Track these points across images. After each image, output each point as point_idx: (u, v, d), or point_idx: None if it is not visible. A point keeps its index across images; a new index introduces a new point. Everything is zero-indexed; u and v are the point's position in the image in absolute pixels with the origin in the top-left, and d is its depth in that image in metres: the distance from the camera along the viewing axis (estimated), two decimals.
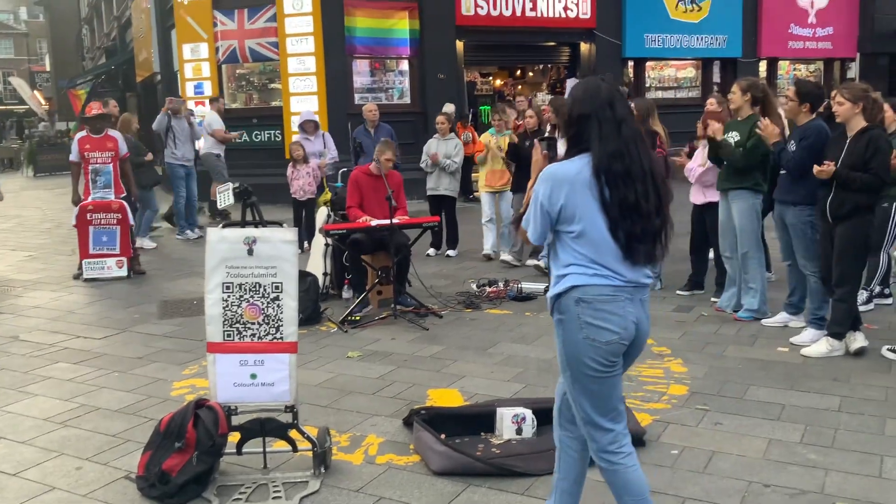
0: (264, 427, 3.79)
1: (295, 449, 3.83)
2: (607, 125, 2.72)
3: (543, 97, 17.77)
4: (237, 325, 3.71)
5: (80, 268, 8.60)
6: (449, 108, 12.45)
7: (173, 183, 11.07)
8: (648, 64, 17.89)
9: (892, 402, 4.49)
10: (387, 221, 6.55)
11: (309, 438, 3.78)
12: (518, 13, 15.67)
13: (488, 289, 7.33)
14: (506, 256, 8.87)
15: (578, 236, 2.73)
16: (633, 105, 7.28)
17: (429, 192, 9.40)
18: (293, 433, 3.80)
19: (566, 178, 2.74)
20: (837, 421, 4.25)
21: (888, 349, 5.26)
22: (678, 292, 7.16)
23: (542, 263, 8.32)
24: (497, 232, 9.25)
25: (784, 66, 19.55)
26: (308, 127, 10.13)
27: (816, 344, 5.37)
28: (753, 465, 3.77)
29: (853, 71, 19.99)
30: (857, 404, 4.47)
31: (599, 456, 2.84)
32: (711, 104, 7.63)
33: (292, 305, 3.73)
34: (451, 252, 9.40)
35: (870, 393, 4.64)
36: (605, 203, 2.68)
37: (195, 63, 15.16)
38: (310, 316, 6.46)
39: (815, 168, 5.04)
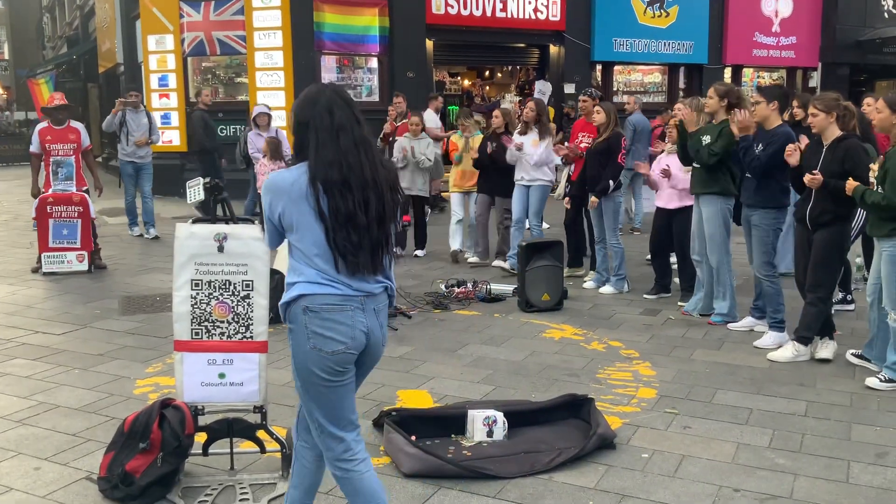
0: (232, 427, 3.71)
1: (263, 450, 3.77)
2: (324, 133, 2.68)
3: (512, 98, 17.82)
4: (206, 324, 3.63)
5: (38, 261, 8.38)
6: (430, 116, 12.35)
7: (124, 181, 10.53)
8: (616, 68, 18.03)
9: (857, 407, 4.56)
10: None
11: (277, 439, 3.71)
12: (488, 13, 15.69)
13: (457, 290, 7.30)
14: (471, 258, 8.86)
15: (302, 245, 2.71)
16: (601, 107, 7.35)
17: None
18: (261, 434, 3.74)
19: (283, 187, 2.70)
20: (804, 426, 4.30)
21: (853, 354, 5.34)
22: (645, 296, 7.21)
23: (507, 265, 8.33)
24: (466, 232, 9.24)
25: (748, 74, 19.84)
26: (261, 121, 10.00)
27: (782, 349, 5.44)
28: (723, 469, 3.79)
29: (815, 80, 20.36)
30: (823, 409, 4.53)
31: (334, 464, 2.84)
32: (679, 109, 7.70)
33: (263, 304, 3.67)
34: (418, 252, 9.36)
35: (835, 398, 4.70)
36: (321, 213, 2.65)
37: (160, 55, 14.89)
38: (278, 314, 6.34)
39: (807, 177, 5.08)
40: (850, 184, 4.87)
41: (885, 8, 20.34)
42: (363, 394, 4.81)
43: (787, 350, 5.39)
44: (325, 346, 2.68)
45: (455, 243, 9.10)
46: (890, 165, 4.65)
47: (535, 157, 7.99)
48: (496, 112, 8.94)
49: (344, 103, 2.71)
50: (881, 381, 4.84)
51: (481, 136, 9.07)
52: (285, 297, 2.74)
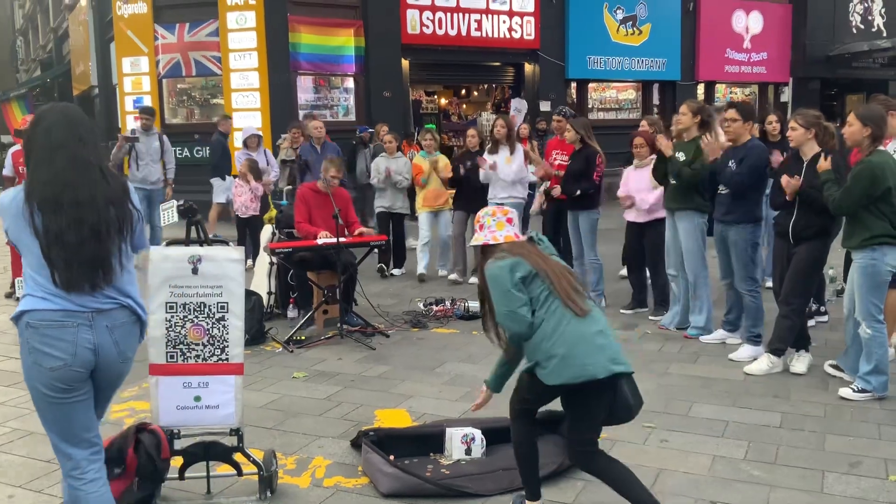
0: (208, 451, 3.69)
1: (240, 473, 3.74)
2: (41, 152, 2.75)
3: (488, 116, 17.91)
4: (181, 347, 3.61)
5: (12, 286, 8.29)
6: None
7: None
8: (591, 85, 18.19)
9: (831, 418, 4.61)
10: (333, 240, 6.49)
11: (254, 462, 3.69)
12: (463, 33, 15.80)
13: (435, 307, 7.31)
14: (451, 275, 8.88)
15: (26, 261, 2.78)
16: (570, 124, 7.44)
17: (380, 210, 9.35)
18: (238, 457, 3.71)
19: (4, 204, 2.79)
20: (779, 437, 4.34)
21: (829, 364, 5.40)
22: (622, 311, 7.26)
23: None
24: (436, 252, 9.27)
25: (721, 90, 20.11)
26: (251, 142, 10.01)
27: (757, 362, 5.49)
28: (700, 482, 3.81)
29: (786, 94, 20.67)
30: (797, 421, 4.57)
31: (65, 478, 2.89)
32: (644, 126, 7.83)
33: (238, 326, 3.65)
34: (395, 271, 9.36)
35: (809, 409, 4.75)
36: (36, 230, 2.71)
37: (135, 77, 14.85)
38: (254, 336, 6.34)
39: (784, 179, 5.15)
40: (823, 164, 4.95)
41: (853, 23, 20.74)
42: (341, 414, 4.81)
43: (762, 362, 5.44)
44: (44, 361, 2.71)
45: (421, 266, 9.11)
46: (853, 174, 4.73)
47: (510, 174, 8.05)
48: (471, 131, 9.01)
49: (67, 123, 2.78)
50: (854, 391, 4.90)
51: (441, 156, 9.17)
52: (14, 312, 2.80)
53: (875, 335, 4.82)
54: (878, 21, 21.13)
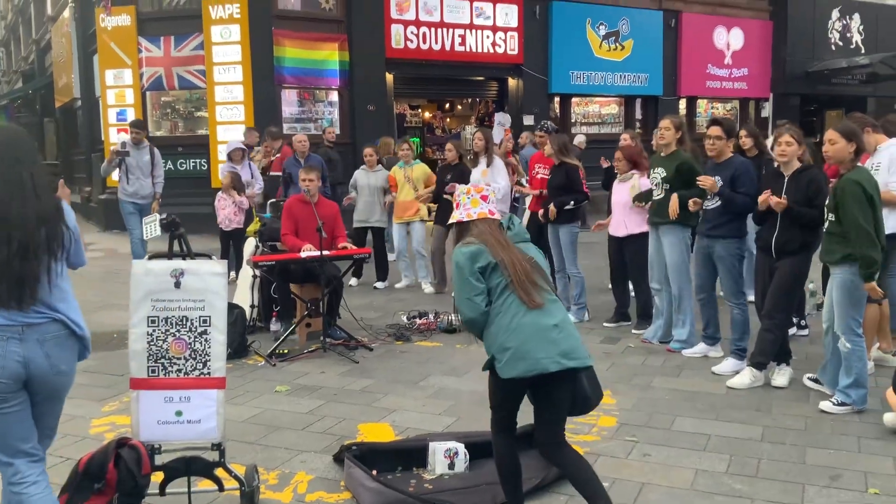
0: (190, 466, 3.66)
1: (221, 488, 3.71)
2: None
3: (472, 130, 17.99)
4: (162, 361, 3.59)
5: None
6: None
7: (125, 221, 9.91)
8: (574, 100, 18.32)
9: (812, 431, 4.64)
10: (317, 253, 6.48)
11: (236, 477, 3.67)
12: (447, 48, 15.88)
13: (418, 321, 7.31)
14: (427, 288, 8.91)
15: None
16: (549, 139, 7.51)
17: (357, 225, 9.38)
18: (220, 472, 3.68)
19: None
20: (760, 451, 4.36)
21: (809, 378, 5.44)
22: (605, 324, 7.29)
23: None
24: (414, 264, 9.34)
25: (702, 105, 20.32)
26: (235, 156, 9.99)
27: (740, 375, 5.52)
28: (682, 496, 3.82)
29: (767, 110, 20.91)
30: (778, 434, 4.60)
31: (6, 486, 2.95)
32: (625, 139, 7.90)
33: (220, 340, 3.63)
34: (378, 284, 9.37)
35: (790, 422, 4.78)
36: None
37: (118, 89, 14.80)
38: (237, 349, 6.31)
39: (773, 200, 5.20)
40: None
41: (833, 40, 21.03)
42: (323, 428, 4.79)
43: (745, 376, 5.48)
44: None
45: (408, 279, 9.26)
46: (846, 195, 4.75)
47: (502, 188, 8.10)
48: (448, 145, 9.07)
49: (5, 144, 2.86)
50: (834, 404, 4.94)
51: (419, 164, 9.23)
52: None
53: (854, 349, 4.86)
54: (857, 38, 21.45)
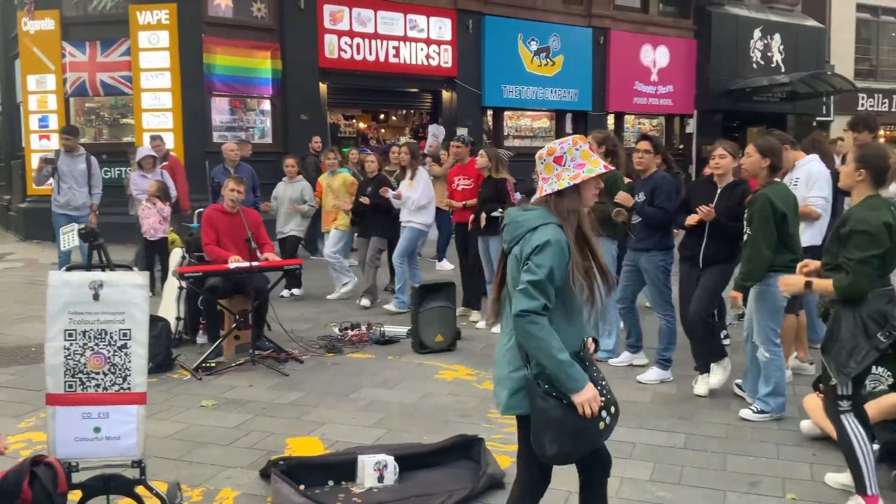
0: (108, 484, 3.54)
1: None
2: None
3: (406, 141, 18.00)
4: (80, 375, 3.47)
5: None
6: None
7: (56, 234, 9.00)
8: (506, 113, 18.53)
9: (733, 439, 4.77)
10: (247, 264, 6.37)
11: (158, 495, 3.57)
12: (381, 59, 15.88)
13: (350, 332, 7.25)
14: (362, 301, 8.88)
15: None
16: (485, 153, 7.61)
17: (279, 236, 9.40)
18: (140, 489, 3.58)
19: None
20: (683, 458, 4.46)
21: (736, 384, 5.59)
22: None
23: (392, 307, 8.38)
24: (334, 268, 9.33)
25: (630, 121, 20.78)
26: (146, 163, 9.74)
27: (712, 375, 5.63)
28: None
29: (691, 126, 21.51)
30: (701, 441, 4.72)
31: None
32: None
33: (141, 353, 3.54)
34: (295, 291, 9.32)
35: (712, 430, 4.91)
36: None
37: (41, 95, 14.33)
38: (161, 363, 6.15)
39: (702, 209, 5.35)
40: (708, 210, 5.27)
41: (754, 59, 21.77)
42: (251, 443, 4.70)
43: (717, 375, 5.60)
44: None
45: (345, 288, 9.27)
46: (755, 209, 4.93)
47: (415, 201, 8.17)
48: (371, 157, 9.12)
49: None
50: (754, 412, 5.09)
51: (345, 173, 9.25)
52: None
53: (773, 358, 5.03)
54: (777, 57, 22.25)
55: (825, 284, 3.73)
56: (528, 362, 2.79)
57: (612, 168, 3.22)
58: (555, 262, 2.71)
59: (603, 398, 2.77)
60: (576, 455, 2.84)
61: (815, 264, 3.97)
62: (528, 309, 2.69)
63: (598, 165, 2.81)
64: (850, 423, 3.73)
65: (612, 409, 2.82)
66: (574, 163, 2.80)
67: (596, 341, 3.08)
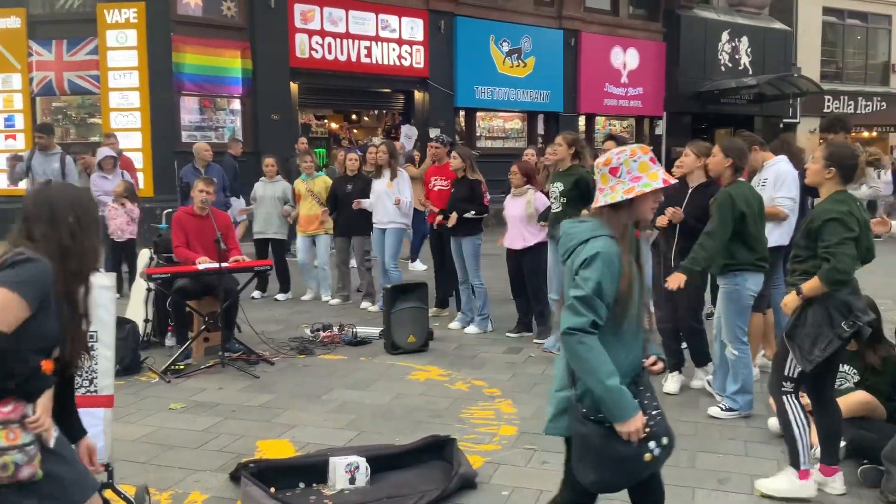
0: None
1: None
2: None
3: (379, 141, 17.96)
4: None
5: None
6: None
7: None
8: (479, 114, 18.57)
9: (702, 436, 4.82)
10: (216, 265, 6.32)
11: (125, 498, 3.53)
12: (353, 59, 15.83)
13: (322, 333, 7.22)
14: (333, 300, 8.83)
15: None
16: (457, 152, 7.59)
17: (257, 236, 9.25)
18: (108, 493, 3.53)
19: None
20: None
21: (708, 381, 5.65)
22: (508, 334, 7.38)
23: (375, 307, 8.35)
24: (319, 275, 9.26)
25: (601, 122, 20.94)
26: (106, 164, 9.60)
27: (695, 380, 5.73)
28: None
29: (661, 128, 21.72)
30: None
31: None
32: (530, 154, 8.09)
33: (108, 356, 3.50)
34: (279, 296, 9.22)
35: (681, 428, 4.94)
36: None
37: (6, 94, 14.09)
38: (128, 366, 6.07)
39: (669, 211, 5.42)
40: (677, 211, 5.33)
41: (722, 62, 22.04)
42: (220, 446, 4.66)
43: (698, 380, 5.72)
44: None
45: (312, 292, 9.23)
46: (716, 206, 5.00)
47: (409, 203, 8.11)
48: (351, 155, 9.04)
49: None
50: (722, 409, 5.14)
51: (324, 176, 9.20)
52: None
53: (741, 356, 5.08)
54: (745, 60, 22.55)
55: (813, 283, 3.79)
56: (574, 382, 2.65)
57: (676, 180, 3.00)
58: (603, 276, 2.55)
59: (650, 428, 2.58)
60: (615, 485, 2.69)
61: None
62: (575, 326, 2.52)
63: (655, 179, 2.66)
64: (790, 403, 3.91)
65: (665, 441, 2.64)
66: (630, 175, 2.67)
67: (663, 360, 2.84)
